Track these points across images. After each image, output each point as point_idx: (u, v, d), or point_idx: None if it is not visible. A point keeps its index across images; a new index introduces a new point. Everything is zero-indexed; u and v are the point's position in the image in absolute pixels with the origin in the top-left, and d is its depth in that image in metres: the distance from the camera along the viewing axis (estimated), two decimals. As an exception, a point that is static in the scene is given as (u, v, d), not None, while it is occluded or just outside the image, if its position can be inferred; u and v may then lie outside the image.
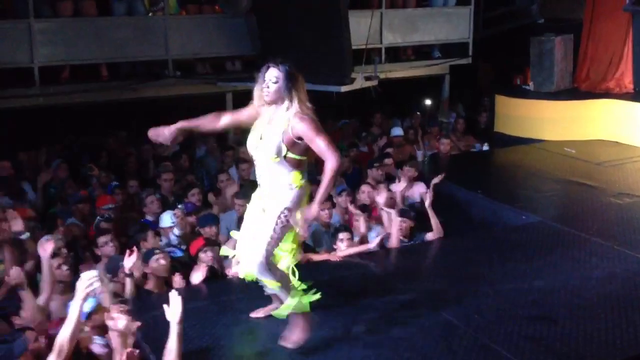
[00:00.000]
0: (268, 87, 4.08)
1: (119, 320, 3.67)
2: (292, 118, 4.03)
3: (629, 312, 4.94)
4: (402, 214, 6.55)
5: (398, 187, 7.62)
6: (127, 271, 5.21)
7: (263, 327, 4.69)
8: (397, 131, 10.33)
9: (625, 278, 5.53)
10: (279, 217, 4.14)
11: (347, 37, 9.24)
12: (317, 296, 4.34)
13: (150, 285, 5.46)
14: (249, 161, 8.12)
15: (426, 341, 4.53)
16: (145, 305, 4.96)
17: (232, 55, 10.36)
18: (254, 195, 4.41)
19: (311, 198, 4.24)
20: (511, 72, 12.01)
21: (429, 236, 6.59)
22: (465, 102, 12.68)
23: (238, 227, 6.31)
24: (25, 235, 5.72)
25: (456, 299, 5.17)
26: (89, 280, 3.67)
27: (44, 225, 6.50)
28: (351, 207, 6.89)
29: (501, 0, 13.03)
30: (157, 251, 5.53)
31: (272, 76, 4.06)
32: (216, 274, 5.77)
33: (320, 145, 3.99)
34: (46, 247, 4.73)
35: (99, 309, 4.30)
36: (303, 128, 4.01)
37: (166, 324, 3.88)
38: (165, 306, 3.84)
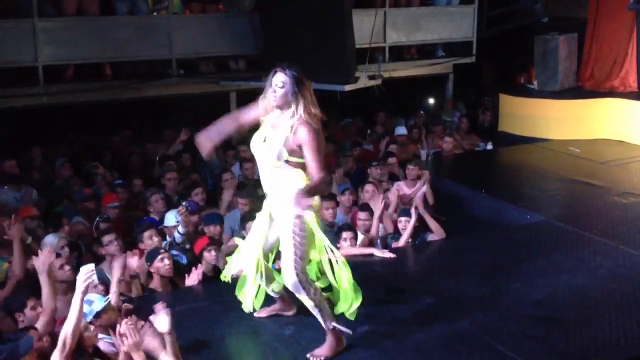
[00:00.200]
0: (275, 92, 4.06)
1: (128, 338, 3.66)
2: (296, 125, 4.03)
3: (633, 312, 4.93)
4: (404, 213, 6.54)
5: (404, 187, 7.63)
6: (131, 272, 5.22)
7: (267, 327, 4.69)
8: (401, 130, 10.33)
9: (629, 277, 5.52)
10: (293, 231, 4.10)
11: (351, 36, 9.23)
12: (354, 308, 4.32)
13: (154, 284, 5.47)
14: (253, 160, 8.17)
15: (430, 340, 4.53)
16: (149, 305, 4.96)
17: (236, 55, 10.35)
18: (264, 203, 4.39)
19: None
20: (515, 71, 12.00)
21: (432, 237, 6.58)
22: (469, 101, 12.67)
23: (242, 227, 6.36)
24: (28, 241, 5.75)
25: (460, 298, 5.17)
26: (87, 273, 3.71)
27: (47, 224, 6.51)
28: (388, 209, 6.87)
29: (505, -1, 13.04)
30: (162, 251, 5.54)
31: (279, 81, 4.04)
32: (220, 273, 5.78)
33: (310, 163, 3.99)
34: (42, 259, 4.69)
35: (108, 308, 4.31)
36: (303, 139, 4.00)
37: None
38: (151, 317, 3.81)
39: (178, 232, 6.31)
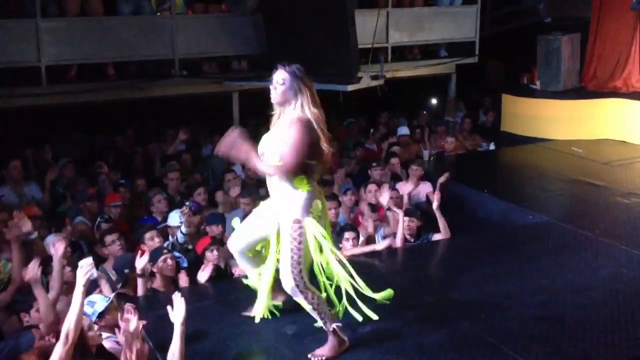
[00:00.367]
0: (275, 89, 4.06)
1: (131, 321, 3.68)
2: (290, 122, 4.02)
3: (636, 312, 4.92)
4: (408, 213, 6.54)
5: (406, 187, 7.62)
6: (139, 271, 5.23)
7: (269, 326, 4.69)
8: (404, 130, 10.33)
9: (632, 277, 5.52)
10: (292, 235, 4.08)
11: (354, 36, 9.23)
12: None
13: (157, 284, 5.48)
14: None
15: (432, 340, 4.52)
16: (152, 304, 4.98)
17: (239, 55, 10.37)
18: (266, 201, 4.39)
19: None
20: (518, 71, 11.99)
21: (436, 237, 6.57)
22: (472, 101, 12.66)
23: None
24: (33, 236, 5.74)
25: (462, 298, 5.17)
26: (86, 266, 3.76)
27: (51, 224, 6.52)
28: (364, 207, 6.87)
29: (508, -1, 13.04)
30: (165, 251, 5.55)
31: (280, 78, 4.03)
32: (222, 273, 5.79)
33: (285, 156, 3.95)
34: (58, 247, 4.74)
35: (111, 307, 4.32)
36: (290, 133, 3.97)
37: (172, 323, 3.89)
38: (169, 307, 3.84)
39: (181, 232, 6.32)
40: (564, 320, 4.80)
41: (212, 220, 6.49)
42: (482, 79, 13.28)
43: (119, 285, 5.43)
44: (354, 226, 6.51)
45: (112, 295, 4.64)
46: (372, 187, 7.33)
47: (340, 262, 4.30)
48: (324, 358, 4.27)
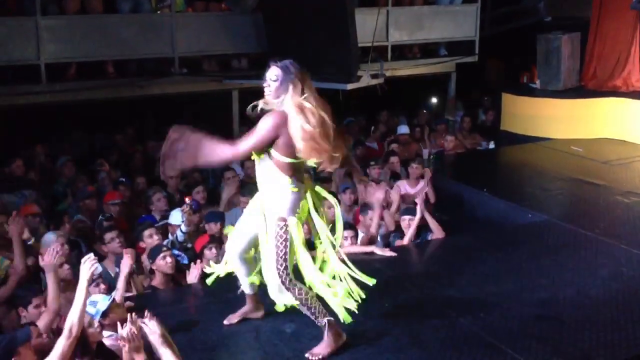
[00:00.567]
0: (269, 86, 4.03)
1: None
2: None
3: (636, 311, 4.92)
4: (409, 212, 6.54)
5: (409, 188, 7.63)
6: (125, 273, 5.20)
7: (267, 324, 4.68)
8: (403, 129, 10.33)
9: (631, 276, 5.51)
10: (277, 232, 4.05)
11: (354, 35, 9.23)
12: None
13: (156, 281, 5.48)
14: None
15: (432, 339, 4.52)
16: (151, 302, 4.97)
17: (238, 53, 10.37)
18: (255, 196, 4.35)
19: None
20: (518, 70, 11.98)
21: (431, 236, 6.58)
22: (471, 100, 12.66)
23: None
24: (30, 242, 5.76)
25: (462, 297, 5.17)
26: (90, 262, 3.80)
27: (50, 222, 6.52)
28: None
29: (508, -2, 13.05)
30: (164, 249, 5.55)
31: (272, 75, 4.00)
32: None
33: (245, 138, 3.96)
34: (47, 259, 4.71)
35: (113, 306, 4.32)
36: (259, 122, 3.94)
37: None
38: (143, 325, 3.75)
39: (180, 230, 6.32)
40: (564, 319, 4.80)
41: (211, 218, 6.49)
42: (482, 78, 13.28)
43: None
44: (352, 225, 6.50)
45: (113, 294, 4.64)
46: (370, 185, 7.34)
47: (340, 260, 4.28)
48: (321, 356, 4.26)
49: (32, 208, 6.69)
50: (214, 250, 5.74)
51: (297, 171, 4.07)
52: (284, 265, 4.07)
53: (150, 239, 5.98)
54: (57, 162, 8.73)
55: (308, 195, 4.17)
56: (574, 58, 10.76)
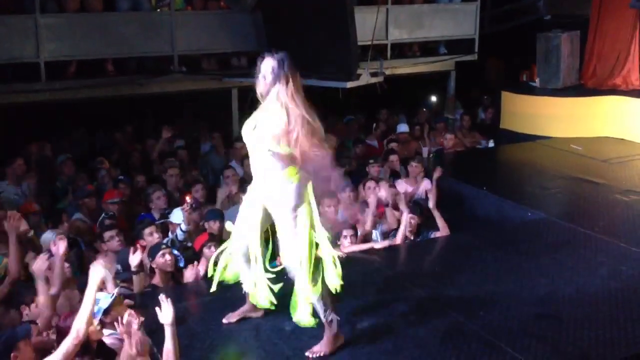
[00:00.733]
0: (265, 79, 4.03)
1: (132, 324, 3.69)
2: (280, 108, 3.99)
3: (635, 309, 4.93)
4: (407, 210, 6.54)
5: (406, 185, 7.61)
6: (133, 268, 5.23)
7: (267, 323, 4.69)
8: (403, 127, 10.33)
9: (630, 275, 5.52)
10: (295, 222, 4.11)
11: (353, 33, 9.22)
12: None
13: (156, 280, 5.49)
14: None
15: (431, 338, 4.53)
16: (151, 300, 4.97)
17: (238, 51, 10.36)
18: (250, 188, 4.34)
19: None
20: (517, 69, 11.98)
21: (436, 234, 6.57)
22: (471, 99, 12.66)
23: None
24: (30, 234, 5.75)
25: (461, 295, 5.17)
26: (100, 266, 3.83)
27: (49, 221, 6.51)
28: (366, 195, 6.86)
29: (508, -3, 13.04)
30: (163, 246, 5.55)
31: (269, 67, 4.00)
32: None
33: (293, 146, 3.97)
34: (59, 245, 4.76)
35: (115, 303, 4.32)
36: (280, 121, 3.95)
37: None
38: (157, 309, 3.82)
39: (180, 229, 6.32)
40: (563, 318, 4.81)
41: (211, 217, 6.48)
42: (482, 77, 13.27)
43: (119, 281, 5.42)
44: (352, 224, 6.50)
45: (115, 291, 4.64)
46: (370, 184, 7.32)
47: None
48: (322, 354, 4.27)
49: (31, 206, 6.70)
50: (213, 249, 5.72)
51: (299, 162, 4.09)
52: (311, 257, 4.12)
53: (150, 237, 5.98)
54: (56, 160, 8.73)
55: (309, 185, 4.21)
56: (573, 56, 10.76)
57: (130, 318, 3.64)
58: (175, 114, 10.78)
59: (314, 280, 4.16)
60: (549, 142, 9.90)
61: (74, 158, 8.60)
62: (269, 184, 4.13)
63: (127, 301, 4.79)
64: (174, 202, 7.21)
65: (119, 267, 5.54)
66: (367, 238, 6.43)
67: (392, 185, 7.37)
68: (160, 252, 5.45)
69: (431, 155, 9.65)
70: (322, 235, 4.21)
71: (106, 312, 4.23)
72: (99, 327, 4.21)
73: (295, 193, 4.09)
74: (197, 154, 9.46)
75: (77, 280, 5.29)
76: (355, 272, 5.59)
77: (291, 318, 4.52)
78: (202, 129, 10.27)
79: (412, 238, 6.46)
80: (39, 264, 4.55)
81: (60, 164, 8.42)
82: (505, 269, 5.68)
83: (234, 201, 7.43)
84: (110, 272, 4.81)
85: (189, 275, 5.56)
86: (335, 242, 6.24)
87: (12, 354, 3.76)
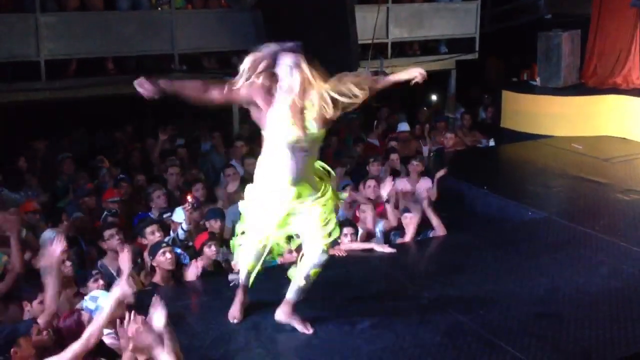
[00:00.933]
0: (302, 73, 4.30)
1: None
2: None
3: (635, 309, 4.92)
4: (409, 210, 6.54)
5: (410, 185, 7.62)
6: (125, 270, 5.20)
7: (268, 321, 4.67)
8: (404, 126, 10.32)
9: (631, 274, 5.51)
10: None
11: (354, 32, 9.21)
12: None
13: (156, 278, 5.48)
14: (255, 156, 8.10)
15: (431, 337, 4.52)
16: (151, 299, 4.96)
17: (238, 50, 10.34)
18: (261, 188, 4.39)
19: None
20: (518, 68, 11.96)
21: (432, 233, 6.57)
22: (472, 98, 12.65)
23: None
24: (23, 234, 5.75)
25: (461, 294, 5.16)
26: (127, 288, 3.86)
27: (49, 219, 6.51)
28: (359, 197, 6.86)
29: (508, -5, 13.02)
30: (164, 245, 5.54)
31: (300, 60, 4.35)
32: (220, 268, 5.79)
33: None
34: (58, 244, 4.74)
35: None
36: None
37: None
38: (151, 312, 3.80)
39: (181, 228, 6.31)
40: (563, 317, 4.80)
41: (212, 216, 6.48)
42: (482, 76, 13.26)
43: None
44: (352, 222, 6.50)
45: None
46: (371, 182, 7.31)
47: None
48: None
49: (31, 205, 6.69)
50: (213, 248, 5.73)
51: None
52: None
53: (152, 235, 5.97)
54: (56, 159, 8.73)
55: None
56: (574, 55, 10.76)
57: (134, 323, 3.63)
58: (176, 113, 10.75)
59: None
60: (550, 141, 9.90)
61: (74, 157, 8.60)
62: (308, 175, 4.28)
63: (127, 300, 4.78)
64: (174, 201, 7.21)
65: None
66: (369, 236, 6.43)
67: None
68: (161, 250, 5.44)
69: (431, 154, 9.65)
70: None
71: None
72: None
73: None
74: (197, 153, 9.46)
75: (77, 278, 5.30)
76: (356, 271, 5.60)
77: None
78: (202, 128, 10.26)
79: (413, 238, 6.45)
80: (47, 259, 4.55)
81: (59, 163, 8.41)
82: (506, 268, 5.68)
83: (234, 200, 7.43)
84: (125, 269, 4.82)
85: (190, 273, 5.55)
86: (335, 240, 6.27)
87: (12, 349, 3.76)
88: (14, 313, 4.81)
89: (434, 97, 12.99)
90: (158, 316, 3.72)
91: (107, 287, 4.94)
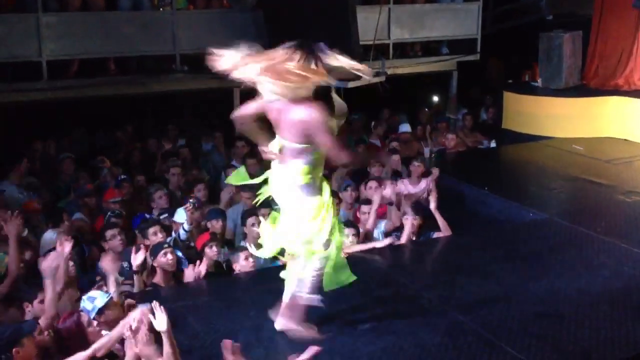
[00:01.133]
0: None
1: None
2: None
3: (636, 310, 4.92)
4: (411, 212, 6.53)
5: (411, 186, 7.61)
6: (135, 268, 5.23)
7: (269, 322, 4.68)
8: (405, 127, 10.32)
9: (632, 275, 5.51)
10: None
11: (355, 33, 9.21)
12: None
13: (157, 279, 5.48)
14: (256, 157, 8.15)
15: (432, 337, 4.53)
16: (152, 299, 4.96)
17: (240, 51, 10.34)
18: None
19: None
20: (519, 69, 11.95)
21: (437, 235, 6.56)
22: (473, 99, 12.64)
23: (242, 222, 6.37)
24: (24, 233, 5.75)
25: (462, 295, 5.16)
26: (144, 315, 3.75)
27: (49, 220, 6.51)
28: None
29: (510, -4, 13.02)
30: (165, 246, 5.54)
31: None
32: (221, 269, 5.78)
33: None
34: (65, 245, 4.76)
35: (110, 304, 4.31)
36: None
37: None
38: (151, 317, 3.78)
39: (183, 228, 6.31)
40: (564, 318, 4.80)
41: (213, 216, 6.48)
42: (483, 77, 13.25)
43: (121, 280, 5.42)
44: (354, 223, 6.49)
45: (112, 292, 4.63)
46: (372, 183, 7.31)
47: None
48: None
49: (32, 205, 6.69)
50: (214, 248, 5.73)
51: None
52: None
53: (155, 236, 5.97)
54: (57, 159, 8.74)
55: None
56: (575, 56, 10.75)
57: (139, 321, 3.63)
58: (176, 114, 10.77)
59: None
60: (551, 142, 9.89)
61: (74, 157, 8.60)
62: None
63: (128, 300, 4.79)
64: (175, 202, 7.21)
65: (125, 264, 5.54)
66: (368, 236, 6.42)
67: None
68: (162, 252, 5.44)
69: (433, 155, 9.65)
70: None
71: (100, 311, 4.22)
72: (98, 329, 4.21)
73: None
74: (198, 154, 9.46)
75: (78, 279, 5.30)
76: (357, 271, 5.58)
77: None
78: (203, 128, 10.27)
79: (413, 238, 6.45)
80: (49, 262, 4.55)
81: (59, 163, 8.42)
82: (507, 269, 5.68)
83: (235, 201, 7.43)
84: (113, 271, 4.82)
85: (189, 275, 5.55)
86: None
87: (14, 349, 3.76)
88: (14, 314, 4.80)
89: (435, 98, 12.99)
90: (159, 319, 3.72)
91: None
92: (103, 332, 4.26)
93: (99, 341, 3.88)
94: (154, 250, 5.51)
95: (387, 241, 6.10)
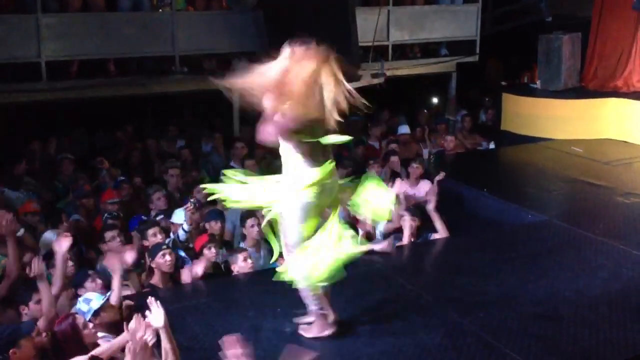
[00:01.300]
0: None
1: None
2: None
3: (634, 312, 4.92)
4: (410, 212, 6.53)
5: (409, 188, 7.61)
6: (127, 267, 5.22)
7: (267, 324, 4.69)
8: (404, 129, 10.32)
9: (631, 277, 5.50)
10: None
11: (355, 34, 9.22)
12: None
13: (155, 280, 5.48)
14: (255, 158, 8.16)
15: (431, 338, 4.53)
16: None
17: (239, 52, 10.36)
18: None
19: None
20: (519, 70, 11.95)
21: (435, 236, 6.56)
22: (472, 100, 12.64)
23: (242, 223, 6.36)
24: (20, 233, 5.75)
25: (461, 297, 5.16)
26: (147, 328, 3.67)
27: (48, 220, 6.51)
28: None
29: (509, -2, 13.03)
30: (164, 247, 5.54)
31: None
32: (220, 270, 5.78)
33: None
34: (62, 243, 4.76)
35: (106, 306, 4.31)
36: None
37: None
38: (147, 313, 3.78)
39: (182, 229, 6.31)
40: (563, 319, 4.80)
41: (211, 217, 6.48)
42: (482, 78, 13.26)
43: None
44: (352, 224, 6.48)
45: (108, 294, 4.63)
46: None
47: None
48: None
49: (31, 206, 6.69)
50: (213, 250, 5.73)
51: None
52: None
53: (154, 237, 5.96)
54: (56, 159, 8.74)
55: None
56: (574, 58, 10.75)
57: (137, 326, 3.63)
58: (176, 114, 10.77)
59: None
60: (550, 144, 9.89)
61: (74, 158, 8.60)
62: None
63: (127, 302, 4.79)
64: (174, 203, 7.20)
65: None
66: (368, 237, 6.42)
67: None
68: (161, 252, 5.44)
69: (432, 156, 9.65)
70: None
71: (96, 313, 4.22)
72: (94, 331, 4.20)
73: None
74: (198, 155, 9.46)
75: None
76: (356, 272, 5.58)
77: (291, 320, 4.53)
78: (203, 129, 10.27)
79: (412, 240, 6.45)
80: (36, 268, 4.52)
81: (58, 163, 8.42)
82: (506, 270, 5.68)
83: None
84: (118, 270, 4.82)
85: (185, 276, 5.55)
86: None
87: (10, 350, 3.76)
88: (12, 316, 4.80)
89: (434, 100, 13.00)
90: (156, 316, 3.72)
91: (107, 288, 4.95)
92: (99, 334, 4.26)
93: (100, 347, 3.87)
94: (153, 251, 5.51)
95: (385, 244, 6.08)
